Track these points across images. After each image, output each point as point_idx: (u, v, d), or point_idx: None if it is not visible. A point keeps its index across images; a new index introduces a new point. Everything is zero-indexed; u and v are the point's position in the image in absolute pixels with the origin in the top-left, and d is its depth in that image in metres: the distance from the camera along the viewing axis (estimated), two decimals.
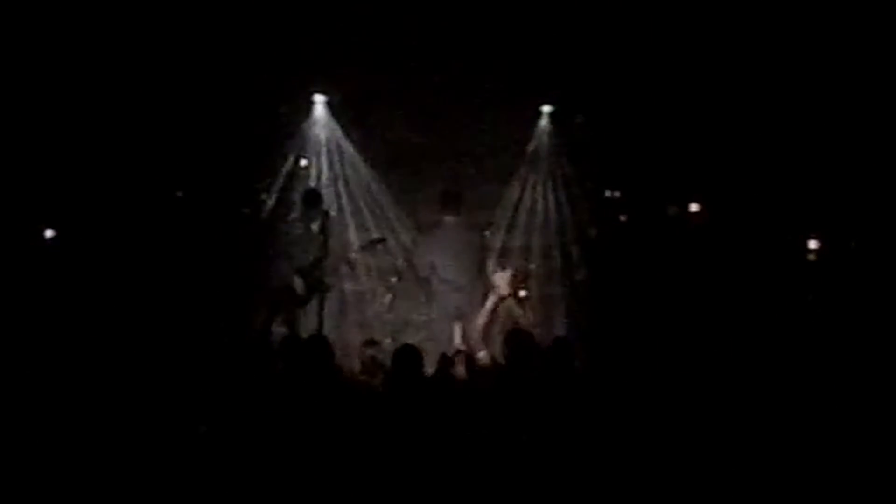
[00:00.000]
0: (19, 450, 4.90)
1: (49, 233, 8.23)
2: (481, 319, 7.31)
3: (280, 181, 8.71)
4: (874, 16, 7.64)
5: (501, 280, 7.45)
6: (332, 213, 8.22)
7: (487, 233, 8.51)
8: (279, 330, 7.57)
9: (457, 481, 4.71)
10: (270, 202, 8.68)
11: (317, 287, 7.67)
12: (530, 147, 9.00)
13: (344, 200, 8.86)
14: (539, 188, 9.00)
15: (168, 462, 4.81)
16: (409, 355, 5.49)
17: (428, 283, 7.92)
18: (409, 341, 7.13)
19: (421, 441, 4.86)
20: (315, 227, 7.72)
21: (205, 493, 4.67)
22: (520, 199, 8.99)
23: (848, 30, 7.77)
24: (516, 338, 5.89)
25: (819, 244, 8.56)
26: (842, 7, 7.74)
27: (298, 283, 7.63)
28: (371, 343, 7.54)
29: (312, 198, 7.91)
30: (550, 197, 8.96)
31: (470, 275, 7.69)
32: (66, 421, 5.18)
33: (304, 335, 6.77)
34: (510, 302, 7.53)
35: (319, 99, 8.79)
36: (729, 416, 5.32)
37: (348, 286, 8.70)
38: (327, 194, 8.53)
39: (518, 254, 8.87)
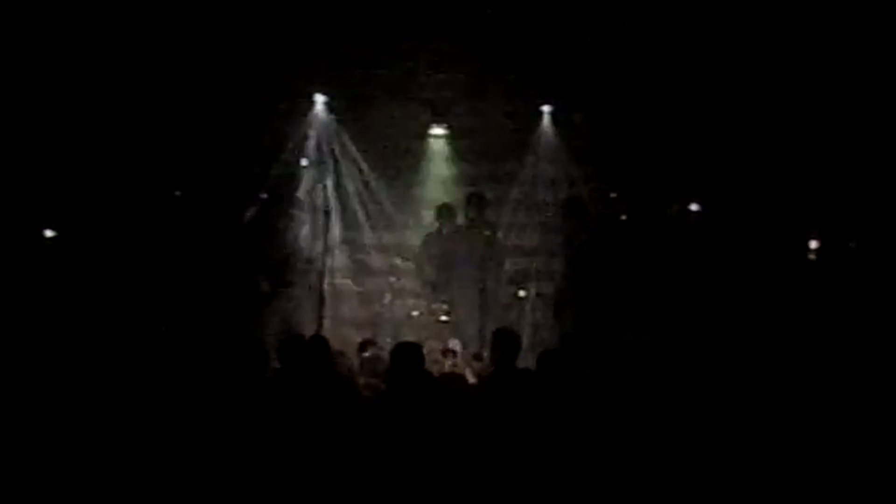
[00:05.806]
0: (19, 449, 4.91)
1: (49, 233, 8.23)
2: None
3: (279, 181, 8.71)
4: (874, 16, 7.64)
5: (456, 346, 7.61)
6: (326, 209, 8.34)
7: (488, 233, 8.51)
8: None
9: (457, 481, 4.71)
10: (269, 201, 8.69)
11: (282, 284, 7.84)
12: (530, 147, 9.00)
13: (343, 200, 8.86)
14: (539, 188, 8.99)
15: (167, 461, 4.81)
16: (408, 353, 5.50)
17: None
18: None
19: (421, 441, 4.86)
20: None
21: (203, 492, 4.67)
22: (520, 200, 8.98)
23: (848, 30, 7.77)
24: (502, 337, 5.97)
25: (819, 244, 8.55)
26: (841, 7, 7.74)
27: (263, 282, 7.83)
28: (370, 343, 7.54)
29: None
30: (551, 197, 8.94)
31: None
32: (66, 419, 5.18)
33: (304, 335, 6.77)
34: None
35: (319, 99, 8.79)
36: (729, 416, 5.32)
37: (349, 286, 8.73)
38: (328, 193, 8.57)
39: (518, 254, 8.88)
